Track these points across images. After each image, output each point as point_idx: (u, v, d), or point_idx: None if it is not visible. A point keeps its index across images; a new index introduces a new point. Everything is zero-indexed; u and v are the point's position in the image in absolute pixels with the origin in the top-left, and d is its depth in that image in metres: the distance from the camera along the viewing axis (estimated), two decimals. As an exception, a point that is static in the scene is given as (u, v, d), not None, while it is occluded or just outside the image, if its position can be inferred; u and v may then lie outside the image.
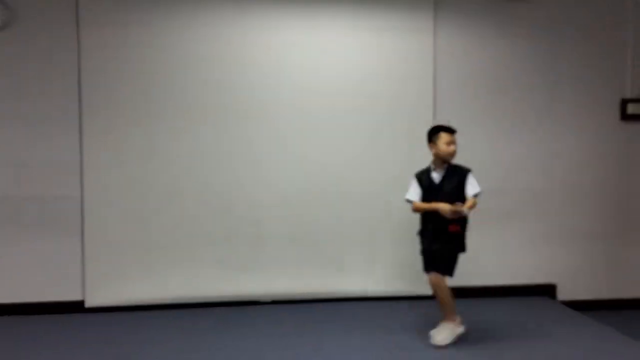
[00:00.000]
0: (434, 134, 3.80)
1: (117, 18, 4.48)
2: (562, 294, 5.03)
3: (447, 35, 4.84)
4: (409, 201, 3.86)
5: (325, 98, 4.70)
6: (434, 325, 3.90)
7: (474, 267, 4.94)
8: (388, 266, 4.80)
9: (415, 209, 3.84)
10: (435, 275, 3.77)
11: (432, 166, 3.83)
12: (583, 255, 5.07)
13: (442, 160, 3.79)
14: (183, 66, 4.57)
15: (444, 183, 3.77)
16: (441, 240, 3.74)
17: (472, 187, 3.76)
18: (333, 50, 4.72)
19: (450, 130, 3.77)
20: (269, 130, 4.65)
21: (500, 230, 4.95)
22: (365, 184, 4.75)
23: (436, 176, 3.80)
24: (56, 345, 3.82)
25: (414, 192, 3.84)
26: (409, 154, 4.72)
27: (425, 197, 3.80)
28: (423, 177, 3.84)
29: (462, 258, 4.92)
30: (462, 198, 3.72)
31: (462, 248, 3.81)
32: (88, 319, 4.35)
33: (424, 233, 3.86)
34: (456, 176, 3.78)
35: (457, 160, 4.89)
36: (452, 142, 3.76)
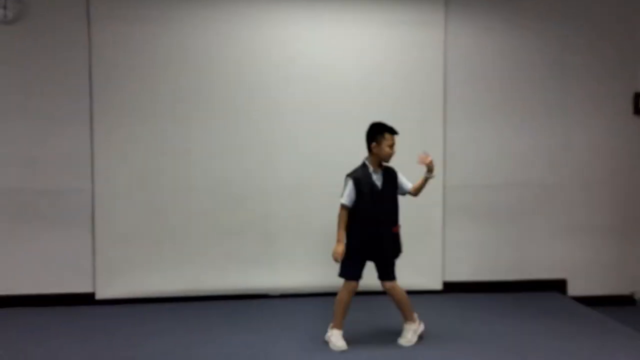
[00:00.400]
0: (379, 133, 3.58)
1: (127, 14, 4.49)
2: (573, 289, 5.00)
3: (458, 29, 4.81)
4: (344, 206, 3.58)
5: (335, 92, 4.70)
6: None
7: (484, 263, 4.94)
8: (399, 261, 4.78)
9: (338, 221, 3.59)
10: (389, 282, 3.67)
11: (371, 167, 3.61)
12: (593, 250, 5.03)
13: (380, 162, 3.63)
14: (193, 61, 4.58)
15: (385, 187, 3.63)
16: (386, 243, 3.63)
17: (406, 182, 3.72)
18: (343, 44, 4.71)
19: (394, 132, 3.61)
20: (279, 125, 4.65)
21: (510, 225, 4.93)
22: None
23: (377, 180, 3.61)
24: (67, 336, 3.85)
25: (349, 197, 3.56)
26: (419, 148, 4.70)
27: (367, 202, 3.55)
28: (363, 181, 3.56)
29: (473, 253, 4.94)
30: (396, 199, 3.68)
31: (401, 249, 3.74)
32: (98, 311, 4.39)
33: (362, 237, 3.59)
34: (390, 177, 3.67)
35: (469, 155, 4.93)
36: (394, 144, 3.60)
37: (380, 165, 3.64)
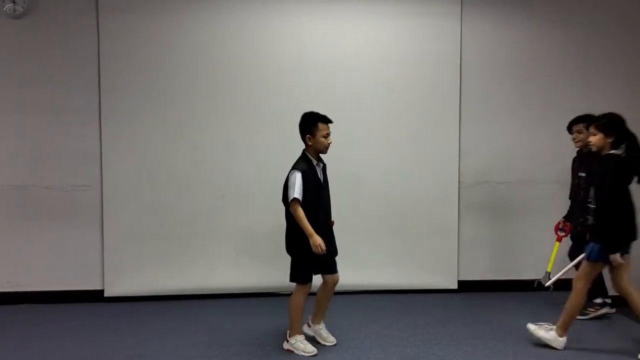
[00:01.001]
0: (312, 124, 3.38)
1: (136, 6, 4.44)
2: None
3: (474, 21, 4.69)
4: (297, 201, 3.32)
5: (348, 85, 4.61)
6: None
7: (499, 261, 4.84)
8: (414, 260, 4.69)
9: (297, 218, 3.31)
10: (336, 274, 3.55)
11: (314, 160, 3.44)
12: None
13: (318, 154, 3.46)
14: (203, 55, 4.51)
15: (325, 181, 3.50)
16: (333, 238, 3.54)
17: None
18: (357, 37, 4.62)
19: (328, 121, 3.42)
20: (290, 120, 4.54)
21: (526, 222, 4.80)
22: (388, 172, 4.65)
23: (320, 173, 3.46)
24: (76, 333, 3.82)
25: (300, 191, 3.32)
26: (435, 143, 4.62)
27: (313, 196, 3.37)
28: (309, 174, 3.38)
29: (488, 251, 4.83)
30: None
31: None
32: (107, 309, 4.36)
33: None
34: (325, 170, 3.53)
35: (485, 151, 4.80)
36: (329, 134, 3.42)
37: (319, 158, 3.48)
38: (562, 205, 4.82)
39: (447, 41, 4.66)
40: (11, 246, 4.46)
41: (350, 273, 4.62)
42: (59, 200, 4.48)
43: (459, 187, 4.71)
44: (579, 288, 3.46)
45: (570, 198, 4.26)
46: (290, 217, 3.39)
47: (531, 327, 3.63)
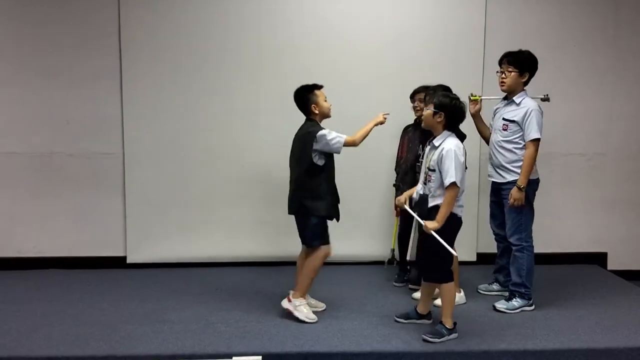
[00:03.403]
0: (311, 94, 3.47)
1: (156, -27, 4.41)
2: (613, 263, 4.83)
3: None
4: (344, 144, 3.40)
5: (369, 58, 4.55)
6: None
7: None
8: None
9: (362, 136, 3.45)
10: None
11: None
12: (637, 223, 4.83)
13: (322, 119, 3.53)
14: (222, 26, 4.48)
15: None
16: None
17: None
18: (379, 8, 4.54)
19: (320, 86, 3.52)
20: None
21: (549, 196, 4.72)
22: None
23: None
24: (99, 298, 3.90)
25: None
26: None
27: (332, 161, 3.52)
28: None
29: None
30: None
31: None
32: (130, 274, 4.44)
33: (334, 199, 3.56)
34: None
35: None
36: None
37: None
38: (586, 179, 4.78)
39: (471, 13, 4.56)
40: (36, 213, 4.54)
41: (372, 242, 4.69)
42: (82, 168, 4.53)
43: (479, 160, 4.66)
44: None
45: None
46: (316, 178, 3.43)
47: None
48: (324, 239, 3.50)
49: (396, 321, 3.47)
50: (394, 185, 4.18)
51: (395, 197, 4.09)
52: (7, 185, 4.51)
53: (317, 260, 3.49)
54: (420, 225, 3.25)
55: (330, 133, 3.39)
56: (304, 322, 3.45)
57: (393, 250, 4.28)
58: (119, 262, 4.59)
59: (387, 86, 4.53)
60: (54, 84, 4.44)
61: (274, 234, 4.64)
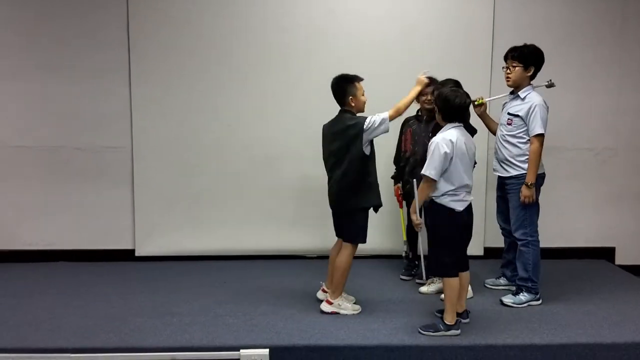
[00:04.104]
0: (351, 85, 3.39)
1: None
2: (621, 258, 4.81)
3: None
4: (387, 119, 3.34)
5: (376, 51, 4.54)
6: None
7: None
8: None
9: (406, 105, 3.42)
10: None
11: None
12: (645, 218, 4.82)
13: (356, 113, 3.45)
14: (229, 20, 4.48)
15: None
16: None
17: None
18: (387, 6, 4.53)
19: (361, 79, 3.45)
20: (316, 84, 4.51)
21: (556, 190, 4.71)
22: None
23: None
24: (108, 290, 3.94)
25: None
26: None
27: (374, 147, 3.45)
28: None
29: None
30: None
31: None
32: (139, 267, 4.48)
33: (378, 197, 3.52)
34: None
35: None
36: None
37: None
38: (593, 173, 4.76)
39: (480, 6, 4.54)
40: (45, 206, 4.57)
41: (378, 236, 4.69)
42: (91, 161, 4.55)
43: (487, 154, 4.65)
44: None
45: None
46: (363, 169, 3.38)
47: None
48: (365, 237, 3.50)
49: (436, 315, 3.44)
50: (392, 177, 4.19)
51: (401, 190, 4.11)
52: (16, 179, 4.54)
53: (349, 257, 3.50)
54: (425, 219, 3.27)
55: (373, 118, 3.32)
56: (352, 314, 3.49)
57: (406, 241, 4.26)
58: (127, 255, 4.62)
59: (394, 81, 4.48)
60: (62, 78, 4.46)
61: (282, 228, 4.65)
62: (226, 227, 4.65)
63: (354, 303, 3.61)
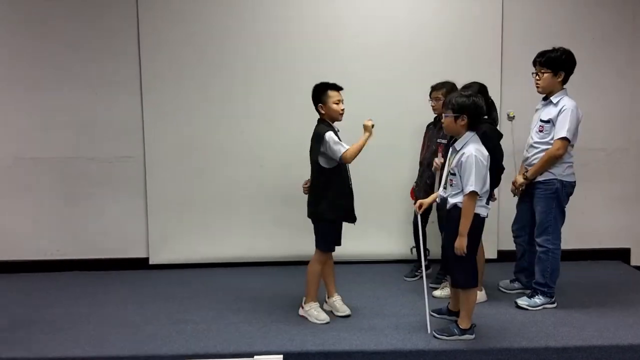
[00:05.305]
0: (322, 93, 3.39)
1: (174, -24, 4.45)
2: (636, 259, 4.77)
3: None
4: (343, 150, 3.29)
5: (386, 49, 4.55)
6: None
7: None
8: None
9: (358, 149, 3.30)
10: None
11: (337, 128, 3.46)
12: (660, 218, 4.76)
13: (331, 122, 3.44)
14: (238, 29, 4.51)
15: None
16: None
17: None
18: (395, 7, 4.54)
19: (337, 88, 3.41)
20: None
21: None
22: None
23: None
24: (123, 299, 3.97)
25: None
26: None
27: (345, 165, 3.43)
28: (337, 135, 3.41)
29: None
30: None
31: None
32: (152, 276, 4.51)
33: (348, 203, 3.56)
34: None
35: (527, 117, 4.66)
36: (341, 100, 3.40)
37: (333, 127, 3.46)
38: (607, 174, 4.71)
39: (488, 2, 4.54)
40: (59, 216, 4.62)
41: (393, 241, 4.68)
42: (104, 171, 4.60)
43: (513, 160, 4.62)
44: None
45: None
46: (324, 180, 3.42)
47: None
48: (328, 246, 3.51)
49: (432, 315, 3.45)
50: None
51: (416, 194, 4.11)
52: (31, 190, 4.59)
53: (316, 263, 3.54)
54: (440, 226, 3.24)
55: (333, 140, 3.31)
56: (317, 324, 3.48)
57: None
58: (141, 264, 4.65)
59: (403, 83, 4.52)
60: (74, 89, 4.51)
61: (293, 234, 4.65)
62: (239, 233, 4.67)
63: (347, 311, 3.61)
